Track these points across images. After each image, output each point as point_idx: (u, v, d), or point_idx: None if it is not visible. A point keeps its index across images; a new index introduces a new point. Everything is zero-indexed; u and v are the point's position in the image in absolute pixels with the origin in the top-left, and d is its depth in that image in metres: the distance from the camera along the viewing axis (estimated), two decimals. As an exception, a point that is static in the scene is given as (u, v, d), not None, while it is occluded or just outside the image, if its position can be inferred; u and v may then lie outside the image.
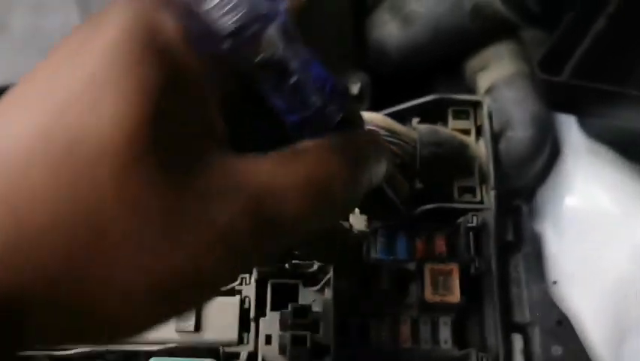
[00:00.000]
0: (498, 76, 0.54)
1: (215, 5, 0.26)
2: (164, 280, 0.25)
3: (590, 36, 0.50)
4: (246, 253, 0.27)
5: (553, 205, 0.51)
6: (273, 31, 0.27)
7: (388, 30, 0.57)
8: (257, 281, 0.48)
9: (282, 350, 0.47)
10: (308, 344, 0.46)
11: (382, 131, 0.49)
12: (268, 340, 0.49)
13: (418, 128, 0.49)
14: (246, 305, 0.49)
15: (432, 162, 0.48)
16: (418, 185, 0.49)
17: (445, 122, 0.52)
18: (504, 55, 0.55)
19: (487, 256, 0.47)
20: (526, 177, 0.52)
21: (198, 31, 0.27)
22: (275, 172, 0.27)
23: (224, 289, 0.46)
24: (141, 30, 0.25)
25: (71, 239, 0.23)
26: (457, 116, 0.52)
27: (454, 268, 0.46)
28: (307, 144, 0.29)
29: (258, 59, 0.27)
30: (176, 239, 0.25)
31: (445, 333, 0.46)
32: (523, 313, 0.47)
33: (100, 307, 0.25)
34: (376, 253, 0.48)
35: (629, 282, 0.47)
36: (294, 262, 0.47)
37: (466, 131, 0.51)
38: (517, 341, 0.46)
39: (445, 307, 0.46)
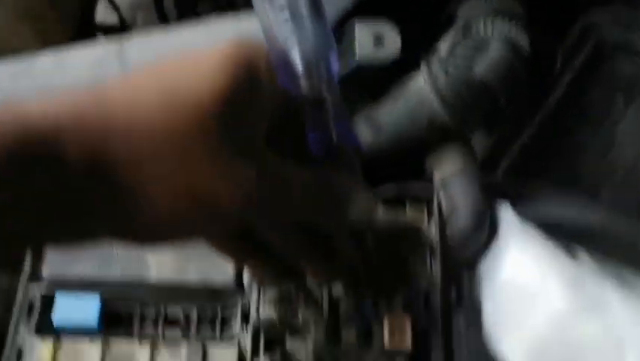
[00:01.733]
0: (447, 172, 0.69)
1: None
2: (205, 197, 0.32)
3: (517, 146, 0.65)
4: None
5: (489, 278, 0.65)
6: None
7: (363, 136, 0.72)
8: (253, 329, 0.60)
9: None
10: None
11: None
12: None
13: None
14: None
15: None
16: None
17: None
18: (454, 155, 0.70)
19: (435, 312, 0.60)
20: (470, 252, 0.65)
21: (284, 68, 0.34)
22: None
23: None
24: (243, 51, 0.34)
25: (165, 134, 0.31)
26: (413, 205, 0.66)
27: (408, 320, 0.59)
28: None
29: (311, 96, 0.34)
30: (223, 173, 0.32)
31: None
32: (463, 362, 0.60)
33: (149, 194, 0.32)
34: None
35: (545, 342, 0.59)
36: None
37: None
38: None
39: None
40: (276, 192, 0.35)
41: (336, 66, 0.36)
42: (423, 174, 0.73)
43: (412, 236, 0.63)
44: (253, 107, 0.34)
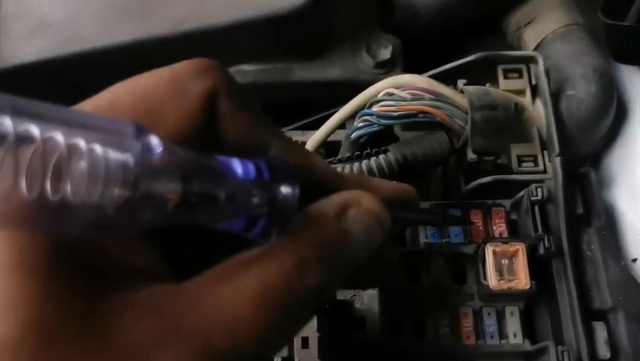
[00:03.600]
0: (549, 29, 0.47)
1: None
2: None
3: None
4: None
5: (624, 171, 0.45)
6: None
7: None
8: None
9: (322, 353, 0.41)
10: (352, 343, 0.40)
11: (427, 95, 0.42)
12: (305, 343, 0.43)
13: (467, 90, 0.43)
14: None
15: (485, 128, 0.42)
16: (471, 155, 0.42)
17: (494, 83, 0.45)
18: (554, 4, 0.48)
19: (556, 233, 0.41)
20: (592, 140, 0.45)
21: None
22: (219, 294, 0.24)
23: None
24: None
25: None
26: (508, 75, 0.45)
27: (520, 248, 0.39)
28: (258, 249, 0.25)
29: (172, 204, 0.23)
30: None
31: (513, 325, 0.40)
32: (602, 298, 0.41)
33: None
34: (426, 237, 0.42)
35: None
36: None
37: (520, 92, 0.45)
38: (600, 330, 0.39)
39: (513, 296, 0.40)
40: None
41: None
42: (505, 38, 0.52)
43: (514, 119, 0.42)
44: None
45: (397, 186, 0.37)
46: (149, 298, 0.23)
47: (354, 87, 0.45)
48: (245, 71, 0.50)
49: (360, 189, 0.31)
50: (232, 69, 0.49)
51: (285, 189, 0.25)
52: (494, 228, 0.42)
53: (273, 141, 0.29)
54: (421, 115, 0.42)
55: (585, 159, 0.45)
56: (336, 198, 0.28)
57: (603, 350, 0.39)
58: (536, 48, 0.48)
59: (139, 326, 0.23)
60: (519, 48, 0.50)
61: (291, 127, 0.49)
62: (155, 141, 0.22)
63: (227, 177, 0.24)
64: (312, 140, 0.46)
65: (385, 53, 0.49)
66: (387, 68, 0.49)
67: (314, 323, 0.42)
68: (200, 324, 0.23)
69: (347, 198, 0.28)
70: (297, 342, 0.42)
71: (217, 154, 0.25)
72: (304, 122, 0.49)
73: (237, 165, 0.25)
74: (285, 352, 0.44)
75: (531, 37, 0.48)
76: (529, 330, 0.40)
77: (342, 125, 0.45)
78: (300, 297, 0.25)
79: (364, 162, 0.42)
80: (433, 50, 0.52)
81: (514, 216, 0.43)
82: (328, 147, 0.46)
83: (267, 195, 0.25)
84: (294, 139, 0.48)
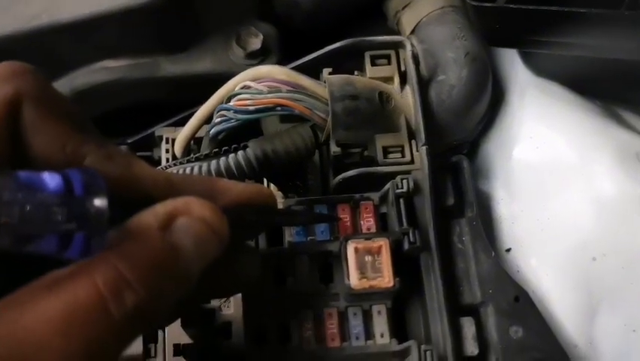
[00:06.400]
0: (425, 12, 0.45)
1: None
2: None
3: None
4: None
5: (500, 159, 0.43)
6: None
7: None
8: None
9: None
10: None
11: (285, 88, 0.40)
12: (177, 351, 0.41)
13: (329, 80, 0.40)
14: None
15: (348, 120, 0.40)
16: (334, 149, 0.40)
17: (362, 71, 0.43)
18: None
19: (424, 226, 0.39)
20: (467, 127, 0.43)
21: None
22: (19, 320, 0.22)
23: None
24: None
25: None
26: (377, 62, 0.43)
27: (384, 244, 0.37)
28: (69, 267, 0.23)
29: None
30: None
31: (380, 325, 0.38)
32: (473, 292, 0.39)
33: None
34: (291, 236, 0.40)
35: (595, 242, 0.38)
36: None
37: (389, 79, 0.43)
38: (468, 325, 0.38)
39: (378, 294, 0.38)
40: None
41: None
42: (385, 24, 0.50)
43: (379, 108, 0.40)
44: None
45: (249, 187, 0.34)
46: None
47: (227, 80, 0.42)
48: (110, 68, 0.47)
49: (206, 193, 0.29)
50: (96, 66, 0.47)
51: (96, 202, 0.23)
52: (362, 223, 0.40)
53: (89, 150, 0.27)
54: (279, 108, 0.39)
55: (461, 147, 0.43)
56: (161, 209, 0.26)
57: (471, 346, 0.37)
58: (412, 32, 0.46)
59: None
60: (399, 33, 0.48)
61: (164, 124, 0.47)
62: None
63: (23, 191, 0.22)
64: (179, 137, 0.44)
65: (256, 43, 0.47)
66: (260, 59, 0.47)
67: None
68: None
69: (174, 207, 0.26)
70: (169, 350, 0.41)
71: (21, 168, 0.23)
72: (175, 119, 0.47)
73: (42, 178, 0.23)
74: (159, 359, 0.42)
75: (408, 21, 0.46)
76: (400, 329, 0.39)
77: (209, 121, 0.43)
78: (117, 319, 0.23)
79: (222, 160, 0.40)
80: (318, 39, 0.50)
81: (384, 210, 0.41)
82: (199, 144, 0.44)
83: (75, 209, 0.23)
84: (165, 136, 0.46)
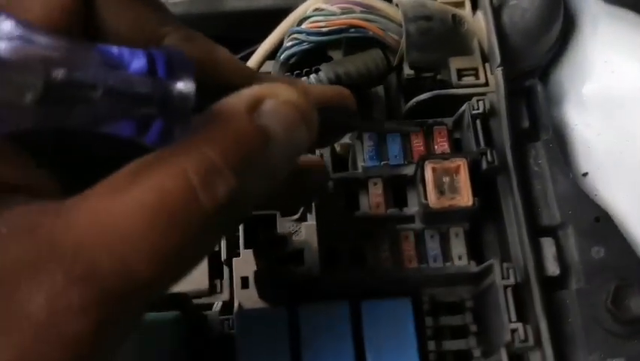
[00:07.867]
0: None
1: None
2: None
3: None
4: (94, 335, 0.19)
5: (573, 85, 0.42)
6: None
7: None
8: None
9: (261, 291, 0.39)
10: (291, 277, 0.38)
11: (358, 9, 0.39)
12: (245, 283, 0.40)
13: (401, 2, 0.40)
14: (216, 247, 0.40)
15: (421, 41, 0.39)
16: (408, 71, 0.39)
17: (432, -3, 0.43)
18: None
19: (500, 148, 0.38)
20: (538, 53, 0.42)
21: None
22: (105, 210, 0.20)
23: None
24: None
25: None
26: (445, -14, 0.42)
27: (462, 164, 0.37)
28: (154, 154, 0.21)
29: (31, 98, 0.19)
30: None
31: (457, 247, 0.37)
32: (551, 214, 0.38)
33: None
34: (364, 160, 0.39)
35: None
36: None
37: (459, 5, 0.42)
38: (548, 246, 0.37)
39: (456, 215, 0.37)
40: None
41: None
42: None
43: (452, 31, 0.40)
44: None
45: (330, 88, 0.33)
46: (20, 215, 0.20)
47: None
48: (173, 2, 0.47)
49: None
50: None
51: (180, 85, 0.21)
52: (436, 147, 0.39)
53: (167, 31, 0.25)
54: (353, 30, 0.39)
55: (533, 73, 0.42)
56: (247, 91, 0.23)
57: (552, 267, 0.37)
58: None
59: (5, 246, 0.19)
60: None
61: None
62: (7, 25, 0.19)
63: (105, 67, 0.21)
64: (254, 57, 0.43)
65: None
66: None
67: (252, 262, 0.40)
68: (80, 245, 0.19)
69: (260, 91, 0.23)
70: (236, 283, 0.40)
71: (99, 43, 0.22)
72: (241, 55, 0.46)
73: (122, 55, 0.21)
74: (226, 295, 0.42)
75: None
76: (476, 252, 0.38)
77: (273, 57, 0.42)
78: (206, 211, 0.21)
79: (294, 83, 0.39)
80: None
81: (457, 135, 0.40)
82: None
83: (158, 91, 0.21)
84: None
